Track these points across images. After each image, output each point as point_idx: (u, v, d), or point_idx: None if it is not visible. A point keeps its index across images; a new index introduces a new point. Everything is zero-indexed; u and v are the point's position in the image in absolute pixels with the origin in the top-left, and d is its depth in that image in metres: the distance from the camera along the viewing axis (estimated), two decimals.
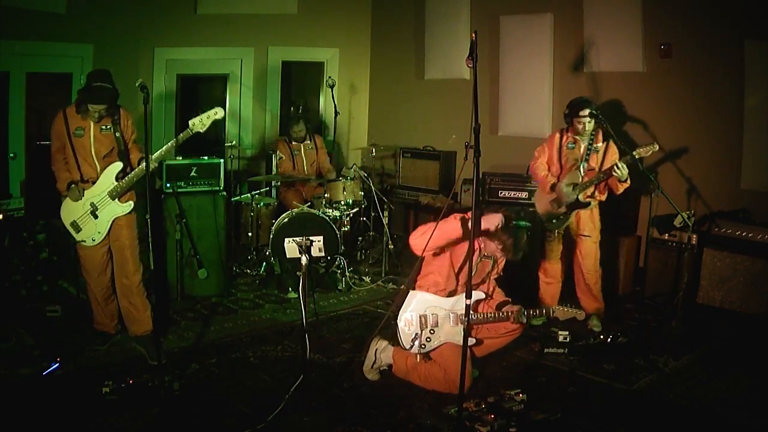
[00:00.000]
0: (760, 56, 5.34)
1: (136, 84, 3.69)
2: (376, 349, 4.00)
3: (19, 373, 3.84)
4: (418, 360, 3.85)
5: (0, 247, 4.96)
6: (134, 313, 4.34)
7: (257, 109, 7.82)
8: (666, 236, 5.42)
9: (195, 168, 5.50)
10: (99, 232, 4.20)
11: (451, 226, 3.73)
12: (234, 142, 6.77)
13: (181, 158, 5.63)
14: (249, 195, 6.24)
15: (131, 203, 4.26)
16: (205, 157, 5.63)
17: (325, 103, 8.17)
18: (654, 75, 5.99)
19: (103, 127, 4.18)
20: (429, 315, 3.84)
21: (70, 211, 4.19)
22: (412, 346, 3.81)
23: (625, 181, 4.62)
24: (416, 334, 3.83)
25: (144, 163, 4.10)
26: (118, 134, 4.19)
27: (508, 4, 6.98)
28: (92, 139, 4.16)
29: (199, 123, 4.21)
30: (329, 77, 6.97)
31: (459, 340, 3.73)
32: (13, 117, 6.32)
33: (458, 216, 3.80)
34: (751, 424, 3.55)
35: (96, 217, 4.18)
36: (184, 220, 5.24)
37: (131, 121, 4.34)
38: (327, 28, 8.10)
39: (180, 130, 7.50)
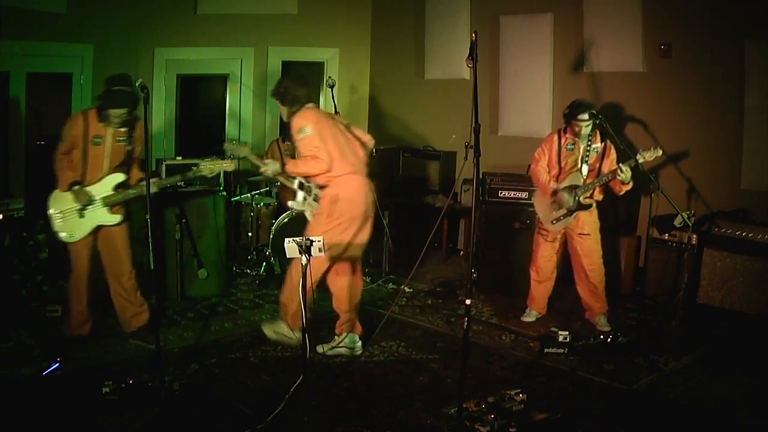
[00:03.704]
0: (760, 56, 5.34)
1: (137, 84, 3.69)
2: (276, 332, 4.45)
3: (19, 373, 3.84)
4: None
5: (0, 247, 4.96)
6: (132, 309, 4.45)
7: (257, 109, 7.82)
8: (666, 236, 5.42)
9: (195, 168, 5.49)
10: (79, 231, 4.21)
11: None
12: (234, 142, 6.75)
13: (180, 158, 5.63)
14: (249, 195, 6.24)
15: (119, 216, 4.30)
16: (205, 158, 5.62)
17: (325, 103, 8.16)
18: (654, 75, 5.99)
19: (119, 138, 4.21)
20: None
21: (61, 201, 4.20)
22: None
23: (628, 183, 4.63)
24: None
25: (143, 186, 4.14)
26: (129, 148, 4.26)
27: (508, 4, 6.98)
28: (108, 150, 4.19)
29: (208, 169, 4.33)
30: (329, 77, 6.97)
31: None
32: (12, 117, 6.32)
33: None
34: (751, 424, 3.55)
35: (82, 216, 4.19)
36: (184, 220, 5.23)
37: (142, 135, 4.34)
38: (327, 28, 8.10)
39: (181, 130, 7.56)
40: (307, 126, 4.21)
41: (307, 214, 4.53)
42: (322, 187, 4.36)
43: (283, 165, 4.40)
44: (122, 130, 4.20)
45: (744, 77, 5.45)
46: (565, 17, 6.54)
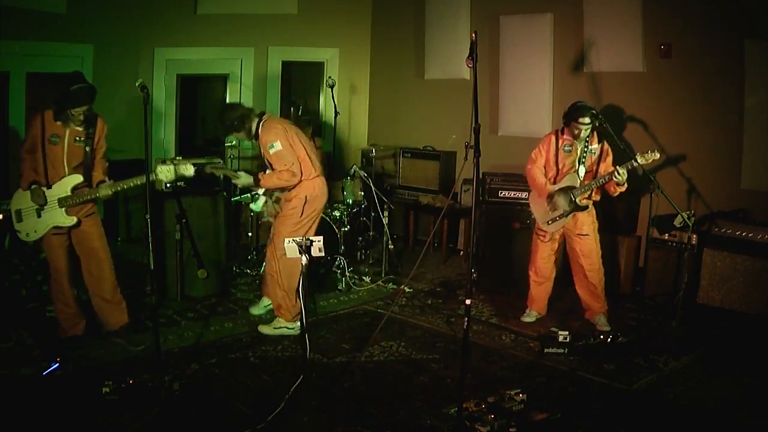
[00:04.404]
0: (760, 56, 5.34)
1: (136, 84, 3.69)
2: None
3: (19, 373, 3.84)
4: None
5: (0, 247, 4.96)
6: (110, 308, 4.42)
7: (257, 109, 7.81)
8: (666, 236, 5.43)
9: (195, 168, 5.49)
10: (35, 231, 4.18)
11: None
12: (234, 142, 6.76)
13: (180, 158, 5.61)
14: (249, 195, 6.24)
15: (74, 218, 4.21)
16: (205, 157, 5.62)
17: (325, 103, 8.17)
18: (654, 75, 5.99)
19: (77, 138, 4.18)
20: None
21: (21, 199, 4.19)
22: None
23: (623, 184, 4.63)
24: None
25: (101, 190, 4.16)
26: (88, 149, 4.21)
27: (508, 4, 6.98)
28: (66, 149, 4.17)
29: (163, 173, 4.15)
30: (329, 77, 6.97)
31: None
32: (13, 117, 6.33)
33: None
34: (751, 424, 3.55)
35: (39, 216, 4.17)
36: (184, 220, 5.23)
37: (105, 133, 4.33)
38: (327, 28, 8.11)
39: (180, 130, 7.57)
40: (276, 141, 4.53)
41: (265, 216, 4.94)
42: (288, 190, 4.67)
43: (256, 178, 4.62)
44: (80, 129, 4.17)
45: (744, 77, 5.45)
46: (565, 17, 6.55)
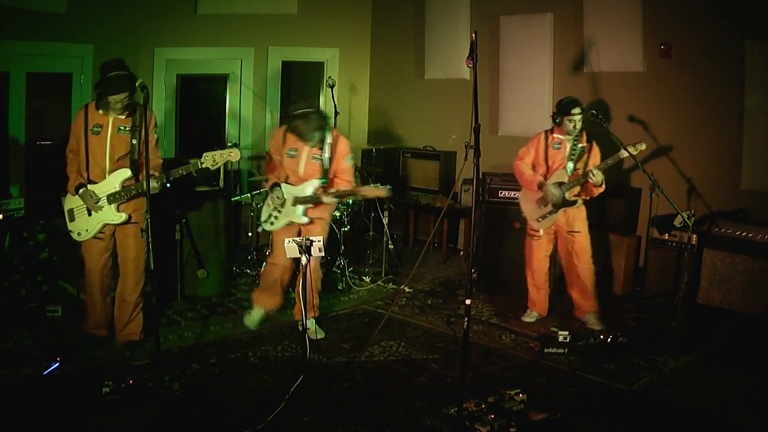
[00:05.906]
0: (760, 56, 5.34)
1: (137, 84, 3.69)
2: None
3: (19, 373, 3.84)
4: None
5: (0, 247, 4.96)
6: (124, 324, 4.29)
7: (257, 110, 7.82)
8: (666, 236, 5.43)
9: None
10: (87, 230, 4.11)
11: None
12: (234, 143, 6.77)
13: (180, 158, 5.62)
14: (249, 195, 6.24)
15: (124, 215, 4.09)
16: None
17: (325, 103, 8.16)
18: (654, 75, 5.99)
19: (121, 127, 4.03)
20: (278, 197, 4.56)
21: (71, 200, 4.14)
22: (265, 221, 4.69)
23: (600, 185, 4.66)
24: (270, 214, 4.64)
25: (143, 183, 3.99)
26: (134, 141, 4.04)
27: (508, 4, 6.98)
28: (109, 138, 4.01)
29: (211, 160, 4.04)
30: (329, 77, 6.97)
31: (294, 218, 4.55)
32: (13, 117, 6.33)
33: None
34: (751, 424, 3.55)
35: (90, 214, 4.10)
36: (184, 220, 5.23)
37: (154, 125, 4.15)
38: (327, 28, 8.11)
39: (180, 131, 7.57)
40: (351, 154, 4.64)
41: (282, 223, 4.64)
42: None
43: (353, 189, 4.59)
44: (123, 118, 4.02)
45: (744, 77, 5.45)
46: (565, 17, 6.55)
